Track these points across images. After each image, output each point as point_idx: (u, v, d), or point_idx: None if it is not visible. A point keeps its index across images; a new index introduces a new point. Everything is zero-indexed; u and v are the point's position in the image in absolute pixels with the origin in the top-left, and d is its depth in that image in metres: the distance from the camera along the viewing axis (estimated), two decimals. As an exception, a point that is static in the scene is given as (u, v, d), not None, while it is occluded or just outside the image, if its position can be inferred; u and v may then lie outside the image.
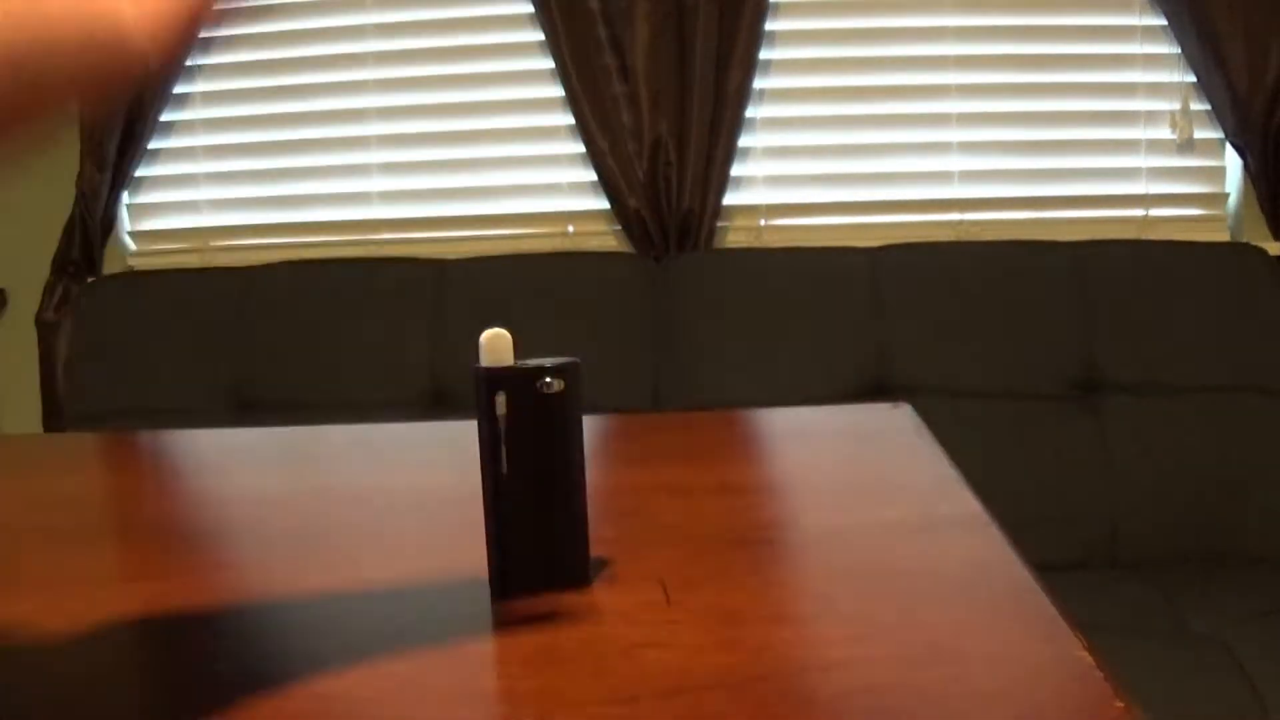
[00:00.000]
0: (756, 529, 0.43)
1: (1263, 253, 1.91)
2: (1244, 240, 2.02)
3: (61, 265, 2.16)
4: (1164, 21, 2.04)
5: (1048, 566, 1.48)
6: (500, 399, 0.35)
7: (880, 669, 0.30)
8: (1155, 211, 2.09)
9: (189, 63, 2.17)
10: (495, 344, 0.36)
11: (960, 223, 2.11)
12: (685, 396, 1.90)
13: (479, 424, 0.36)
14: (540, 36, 2.09)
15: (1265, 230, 2.01)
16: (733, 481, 0.50)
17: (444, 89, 2.19)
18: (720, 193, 2.06)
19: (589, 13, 2.03)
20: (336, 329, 1.96)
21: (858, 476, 0.51)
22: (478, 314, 1.96)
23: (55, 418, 2.11)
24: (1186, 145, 2.08)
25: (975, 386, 1.85)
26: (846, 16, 2.11)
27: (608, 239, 2.16)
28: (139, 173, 2.21)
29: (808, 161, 2.15)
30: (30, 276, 2.19)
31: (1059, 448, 1.82)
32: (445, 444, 0.72)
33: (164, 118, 2.18)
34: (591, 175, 2.11)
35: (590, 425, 0.56)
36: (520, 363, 0.36)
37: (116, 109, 1.72)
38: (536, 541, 0.35)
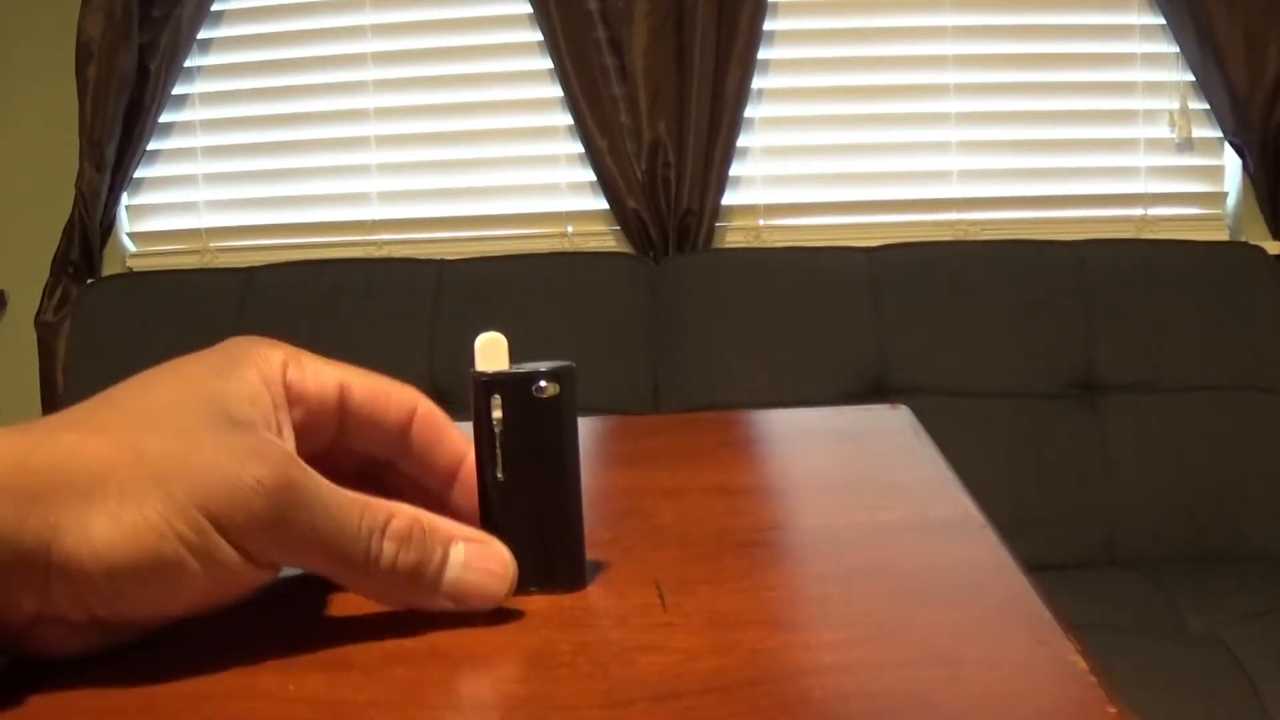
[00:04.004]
0: (753, 531, 0.43)
1: (1262, 252, 1.91)
2: (1243, 239, 2.02)
3: (61, 266, 2.16)
4: (1163, 20, 2.04)
5: (1047, 566, 1.49)
6: (495, 403, 0.35)
7: (874, 673, 0.30)
8: (1154, 210, 2.09)
9: (188, 64, 2.18)
10: (490, 348, 0.36)
11: (959, 222, 2.11)
12: (684, 397, 1.90)
13: (474, 428, 0.36)
14: (539, 37, 2.09)
15: (1264, 229, 2.01)
16: (729, 483, 0.50)
17: (443, 89, 2.19)
18: (719, 193, 2.06)
19: (587, 13, 2.04)
20: (336, 329, 1.96)
21: (854, 478, 0.51)
22: (477, 314, 1.96)
23: (55, 419, 2.11)
24: (1185, 144, 2.08)
25: (974, 386, 1.85)
26: (845, 16, 2.11)
27: (606, 239, 2.16)
28: (138, 174, 2.21)
29: (806, 161, 2.15)
30: (30, 277, 2.19)
31: (1058, 447, 1.82)
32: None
33: (163, 119, 2.18)
34: (590, 175, 2.11)
35: (587, 427, 0.55)
36: (515, 366, 0.36)
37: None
38: (531, 545, 0.35)
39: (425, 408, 0.37)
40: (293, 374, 0.35)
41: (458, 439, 0.38)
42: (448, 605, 0.33)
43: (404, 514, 0.33)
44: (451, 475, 0.38)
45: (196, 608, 0.31)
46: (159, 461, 0.30)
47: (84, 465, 0.29)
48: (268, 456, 0.31)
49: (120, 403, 0.32)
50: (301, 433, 0.34)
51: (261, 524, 0.30)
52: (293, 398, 0.34)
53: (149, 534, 0.29)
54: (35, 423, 0.31)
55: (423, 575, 0.33)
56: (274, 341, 0.35)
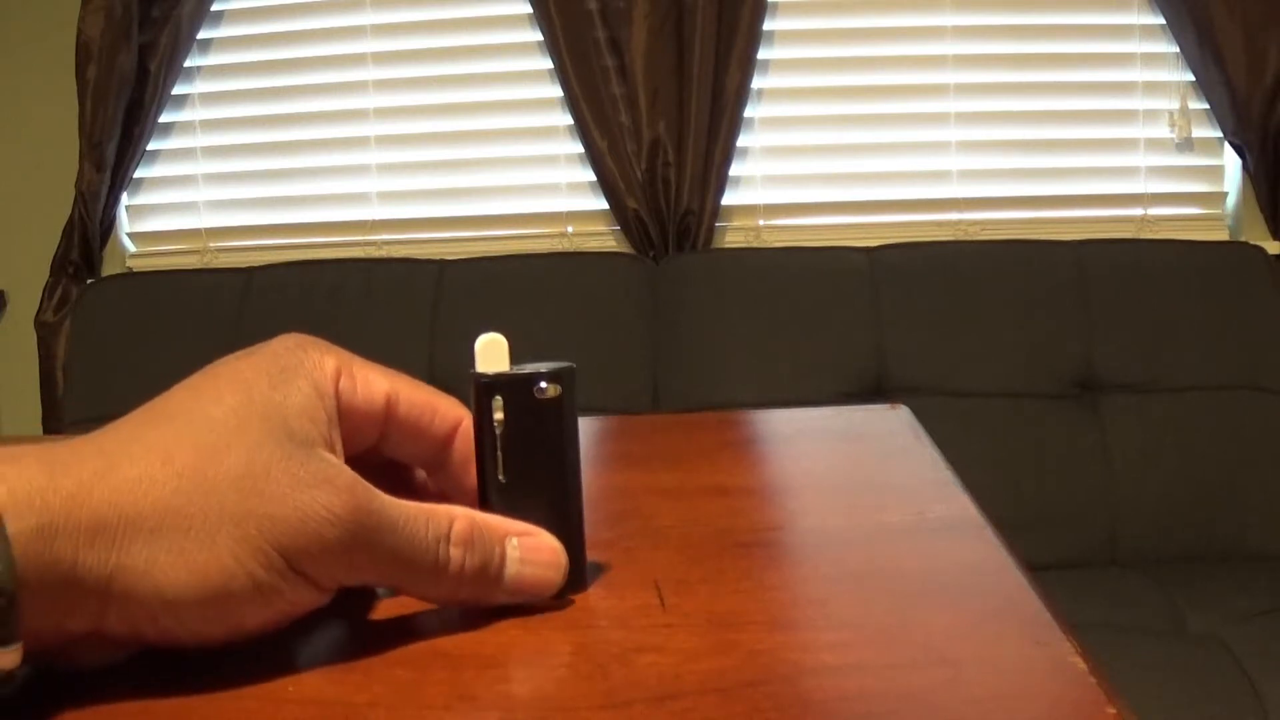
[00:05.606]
0: (752, 532, 0.43)
1: (1262, 252, 1.91)
2: (1243, 239, 2.02)
3: (61, 266, 2.16)
4: (1163, 20, 2.04)
5: (1047, 565, 1.48)
6: (496, 404, 0.35)
7: (874, 674, 0.30)
8: (1154, 210, 2.09)
9: (188, 64, 2.18)
10: (490, 349, 0.36)
11: (959, 222, 2.11)
12: (684, 397, 1.90)
13: (475, 430, 0.36)
14: (539, 37, 2.09)
15: (1264, 229, 2.01)
16: (729, 483, 0.50)
17: (443, 89, 2.19)
18: (719, 193, 2.06)
19: (587, 13, 2.04)
20: (336, 329, 1.95)
21: (854, 479, 0.51)
22: (477, 314, 1.96)
23: (55, 419, 2.11)
24: (1185, 144, 2.08)
25: (974, 386, 1.85)
26: (845, 16, 2.11)
27: (606, 239, 2.16)
28: (138, 174, 2.21)
29: (806, 161, 2.15)
30: (30, 278, 2.19)
31: (1058, 447, 1.82)
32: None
33: (163, 119, 2.18)
34: (590, 175, 2.11)
35: (587, 427, 0.56)
36: (516, 367, 0.36)
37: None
38: (532, 546, 0.35)
39: (469, 424, 0.37)
40: (344, 384, 0.34)
41: None
42: (506, 599, 0.34)
43: (462, 517, 0.33)
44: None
45: (255, 631, 0.31)
46: (229, 494, 0.29)
47: (148, 499, 0.29)
48: (335, 483, 0.31)
49: (175, 418, 0.31)
50: (345, 440, 0.34)
51: (333, 552, 0.30)
52: (342, 409, 0.34)
53: (219, 572, 0.29)
54: (87, 447, 0.30)
55: (487, 575, 0.33)
56: (325, 345, 0.35)
